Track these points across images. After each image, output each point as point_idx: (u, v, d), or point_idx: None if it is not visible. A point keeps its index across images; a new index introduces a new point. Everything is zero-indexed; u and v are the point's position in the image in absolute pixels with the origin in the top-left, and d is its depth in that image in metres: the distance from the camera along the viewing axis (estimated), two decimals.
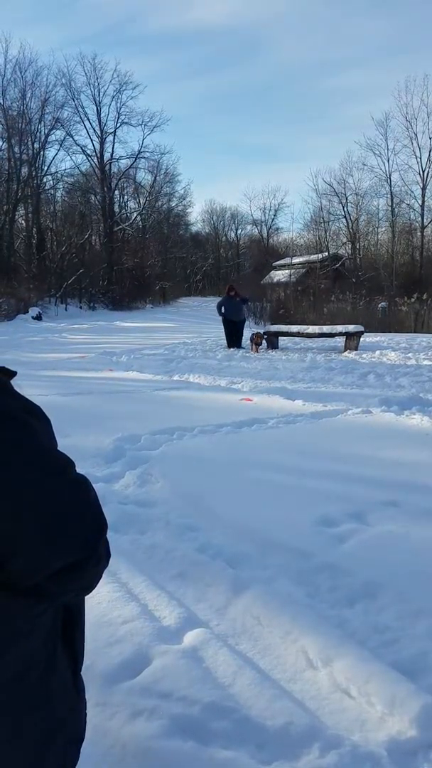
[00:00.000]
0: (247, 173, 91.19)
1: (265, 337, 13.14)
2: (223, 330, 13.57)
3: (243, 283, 30.94)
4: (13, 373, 0.89)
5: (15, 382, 0.89)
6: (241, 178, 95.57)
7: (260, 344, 12.69)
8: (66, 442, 4.28)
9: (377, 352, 11.59)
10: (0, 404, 0.79)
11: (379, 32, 73.30)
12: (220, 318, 13.57)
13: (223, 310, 13.38)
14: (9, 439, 0.77)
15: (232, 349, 12.85)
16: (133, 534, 2.95)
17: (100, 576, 0.89)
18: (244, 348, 12.99)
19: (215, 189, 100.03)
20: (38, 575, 0.79)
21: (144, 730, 1.61)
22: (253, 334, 12.94)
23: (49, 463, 0.80)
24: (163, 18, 75.87)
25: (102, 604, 2.21)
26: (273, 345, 13.38)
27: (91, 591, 0.92)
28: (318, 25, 78.44)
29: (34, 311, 23.94)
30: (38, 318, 23.64)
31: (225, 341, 13.46)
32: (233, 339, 13.34)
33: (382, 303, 21.97)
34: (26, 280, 26.94)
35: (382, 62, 76.20)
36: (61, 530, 0.79)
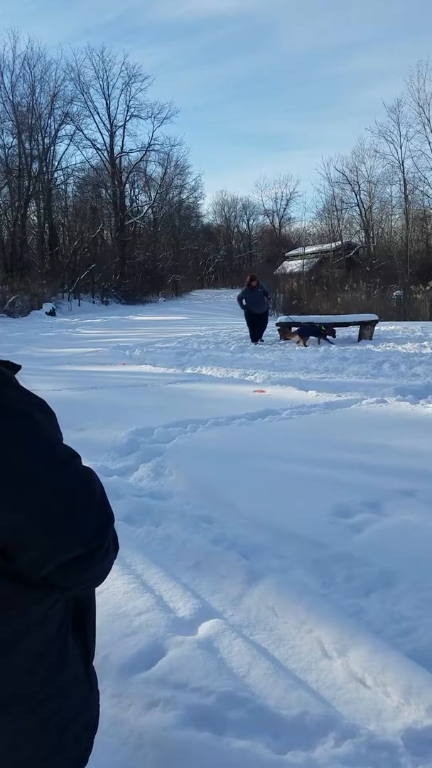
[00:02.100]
0: (257, 163, 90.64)
1: (279, 328, 12.84)
2: (240, 324, 12.93)
3: (256, 274, 30.76)
4: (18, 367, 0.89)
5: (20, 376, 0.89)
6: (251, 168, 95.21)
7: (334, 336, 11.57)
8: (80, 436, 4.32)
9: (392, 341, 11.46)
10: (4, 398, 0.79)
11: (389, 14, 72.05)
12: (242, 311, 12.63)
13: (244, 302, 12.40)
14: (13, 433, 0.76)
15: (255, 344, 11.87)
16: (148, 526, 2.97)
17: (109, 569, 0.89)
18: (263, 341, 12.19)
19: (226, 180, 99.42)
20: (46, 568, 0.79)
21: (160, 720, 1.61)
22: (321, 325, 11.84)
23: (53, 457, 0.80)
24: (169, 7, 75.31)
25: (117, 595, 2.23)
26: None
27: (99, 583, 0.92)
28: (327, 9, 77.19)
29: (47, 307, 24.07)
30: (52, 313, 23.78)
31: (244, 335, 12.68)
32: (257, 332, 12.32)
33: (397, 291, 21.73)
34: (39, 275, 27.07)
35: (393, 45, 74.87)
36: (66, 523, 0.79)
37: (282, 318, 13.60)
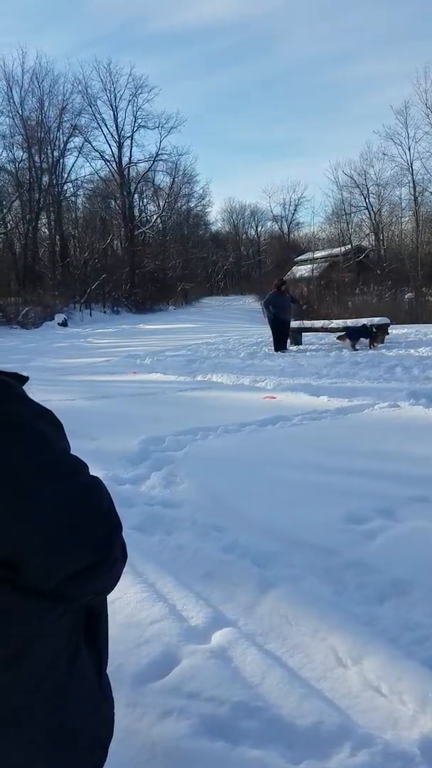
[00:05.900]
0: (265, 169, 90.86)
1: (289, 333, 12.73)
2: (250, 330, 12.91)
3: (265, 279, 30.84)
4: (26, 379, 0.91)
5: (28, 387, 0.90)
6: (259, 174, 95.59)
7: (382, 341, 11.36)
8: (93, 445, 4.33)
9: (404, 345, 11.39)
10: (11, 410, 0.80)
11: (390, 18, 72.17)
12: (267, 317, 12.02)
13: (271, 308, 11.83)
14: (20, 446, 0.77)
15: (282, 352, 11.45)
16: (160, 535, 2.97)
17: (117, 578, 0.90)
18: (288, 351, 11.69)
19: (234, 187, 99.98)
20: (54, 578, 0.80)
21: (173, 730, 1.61)
22: (372, 327, 11.50)
23: (59, 468, 0.81)
24: (174, 16, 76.10)
25: (130, 605, 2.23)
26: (296, 341, 13.24)
27: (108, 593, 0.92)
28: (328, 15, 77.38)
29: (59, 318, 24.30)
30: (64, 324, 24.00)
31: (254, 341, 12.46)
32: (283, 341, 11.87)
33: (409, 294, 21.63)
34: (51, 287, 27.39)
35: (396, 49, 74.89)
36: (73, 534, 0.79)
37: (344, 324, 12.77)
